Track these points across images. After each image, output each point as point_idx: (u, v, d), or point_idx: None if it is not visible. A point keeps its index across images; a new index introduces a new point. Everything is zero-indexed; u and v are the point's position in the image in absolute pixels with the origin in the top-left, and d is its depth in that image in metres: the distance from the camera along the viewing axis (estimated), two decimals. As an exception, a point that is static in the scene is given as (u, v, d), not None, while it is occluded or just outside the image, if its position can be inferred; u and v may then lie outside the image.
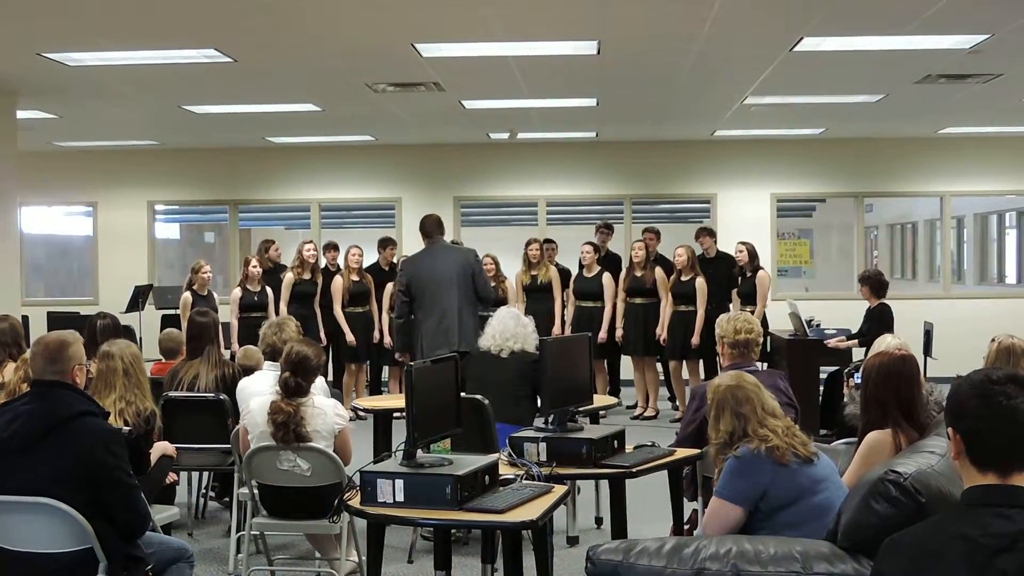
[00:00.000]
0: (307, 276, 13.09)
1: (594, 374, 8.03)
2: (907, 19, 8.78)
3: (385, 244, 13.91)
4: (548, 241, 13.93)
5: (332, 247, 13.69)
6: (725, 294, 13.00)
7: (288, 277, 13.04)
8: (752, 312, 11.22)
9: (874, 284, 11.15)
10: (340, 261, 13.46)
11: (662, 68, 10.83)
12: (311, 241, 13.45)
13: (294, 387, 6.07)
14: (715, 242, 13.38)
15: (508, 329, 7.48)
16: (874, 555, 3.05)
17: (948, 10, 8.41)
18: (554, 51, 9.89)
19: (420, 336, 9.57)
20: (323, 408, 6.16)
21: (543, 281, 13.29)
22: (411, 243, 15.04)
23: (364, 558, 5.74)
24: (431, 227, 9.79)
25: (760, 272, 12.71)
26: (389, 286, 13.06)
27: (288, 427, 6.00)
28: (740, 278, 12.86)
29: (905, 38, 9.48)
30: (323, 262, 13.88)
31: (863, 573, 3.67)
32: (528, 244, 13.55)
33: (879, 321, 10.75)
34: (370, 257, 13.90)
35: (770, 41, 9.62)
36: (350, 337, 13.06)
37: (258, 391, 6.60)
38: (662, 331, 12.81)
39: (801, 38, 9.40)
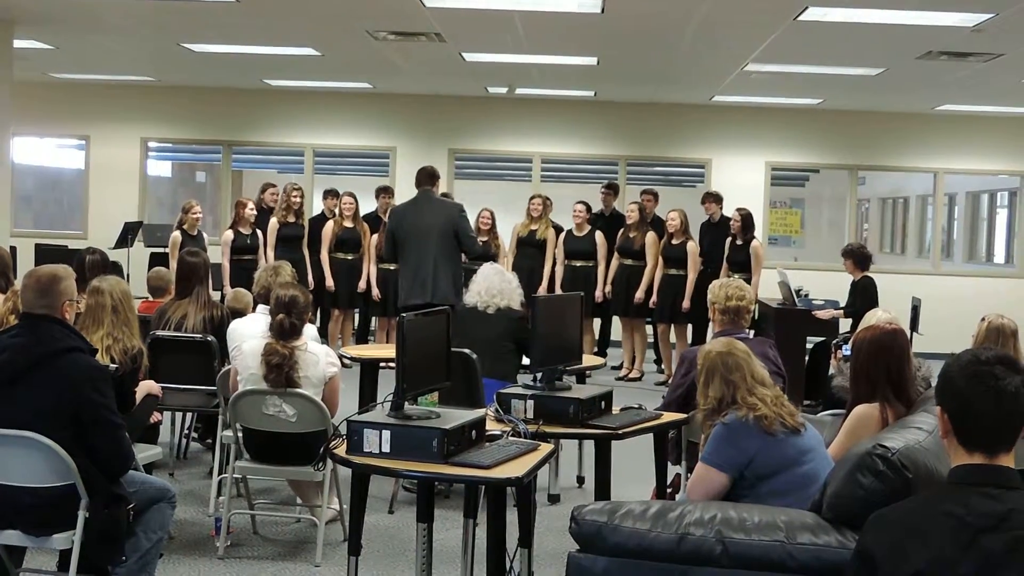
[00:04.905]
0: (292, 219, 13.09)
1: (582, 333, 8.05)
2: (913, -7, 8.76)
3: (380, 192, 13.89)
4: (546, 198, 13.94)
5: (332, 194, 13.65)
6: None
7: (272, 222, 13.03)
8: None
9: (857, 257, 11.21)
10: (337, 209, 13.45)
11: (665, 30, 10.78)
12: (298, 187, 13.41)
13: (288, 328, 6.08)
14: (720, 208, 13.32)
15: (494, 285, 7.50)
16: (858, 528, 3.07)
17: (955, -14, 8.40)
18: (558, 7, 9.84)
19: (399, 284, 9.88)
20: (316, 354, 6.17)
21: (540, 237, 13.29)
22: (404, 193, 15.02)
23: (346, 506, 5.75)
24: (421, 178, 9.98)
25: (754, 242, 12.68)
26: (375, 236, 13.06)
27: (282, 369, 6.02)
28: (730, 245, 12.83)
29: (910, 13, 9.45)
30: (319, 207, 13.88)
31: (847, 545, 3.68)
32: (531, 199, 13.61)
33: (864, 294, 10.81)
34: (369, 206, 13.89)
35: (775, 8, 9.57)
36: (330, 283, 13.12)
37: (251, 333, 6.60)
38: (641, 294, 12.84)
39: (806, 7, 9.35)
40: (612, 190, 14.34)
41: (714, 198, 13.43)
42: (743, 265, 12.53)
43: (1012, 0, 8.81)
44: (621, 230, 13.23)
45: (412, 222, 9.80)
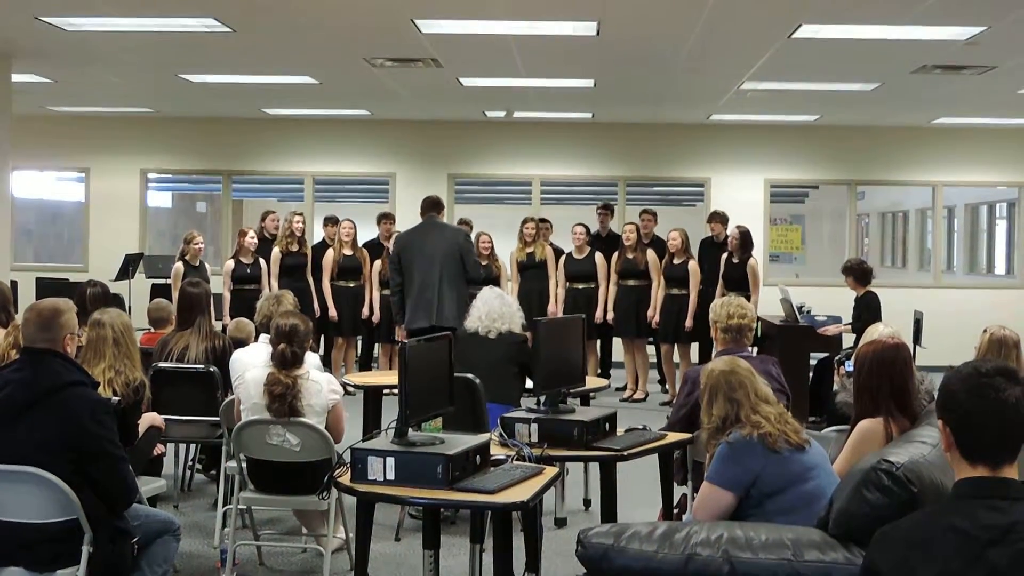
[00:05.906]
0: (295, 248, 13.10)
1: (586, 355, 8.05)
2: (905, 9, 8.77)
3: (382, 219, 13.90)
4: (543, 220, 13.96)
5: (332, 221, 13.66)
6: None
7: (275, 252, 13.04)
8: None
9: (857, 273, 11.21)
10: (336, 237, 13.46)
11: (661, 51, 10.79)
12: (300, 213, 13.47)
13: (290, 357, 6.07)
14: (725, 227, 13.29)
15: (494, 310, 7.49)
16: (865, 544, 3.05)
17: (947, 1, 8.40)
18: (554, 31, 9.85)
19: (405, 307, 9.97)
20: (319, 382, 6.16)
21: (540, 259, 13.33)
22: (405, 219, 15.03)
23: (352, 535, 5.73)
24: (426, 206, 10.25)
25: (751, 260, 12.63)
26: (377, 263, 13.08)
27: (285, 399, 6.00)
28: (725, 263, 12.81)
29: (903, 28, 9.47)
30: (320, 235, 13.89)
31: (854, 562, 3.67)
32: (524, 223, 13.59)
33: (868, 308, 10.81)
34: (369, 232, 13.89)
35: (769, 27, 9.59)
36: (332, 312, 13.13)
37: (253, 363, 6.59)
38: (654, 313, 12.84)
39: (800, 25, 9.38)
40: (608, 210, 14.36)
41: (720, 218, 13.41)
42: (739, 283, 12.42)
43: (1004, 13, 8.84)
44: (617, 252, 13.22)
45: (418, 246, 9.95)
